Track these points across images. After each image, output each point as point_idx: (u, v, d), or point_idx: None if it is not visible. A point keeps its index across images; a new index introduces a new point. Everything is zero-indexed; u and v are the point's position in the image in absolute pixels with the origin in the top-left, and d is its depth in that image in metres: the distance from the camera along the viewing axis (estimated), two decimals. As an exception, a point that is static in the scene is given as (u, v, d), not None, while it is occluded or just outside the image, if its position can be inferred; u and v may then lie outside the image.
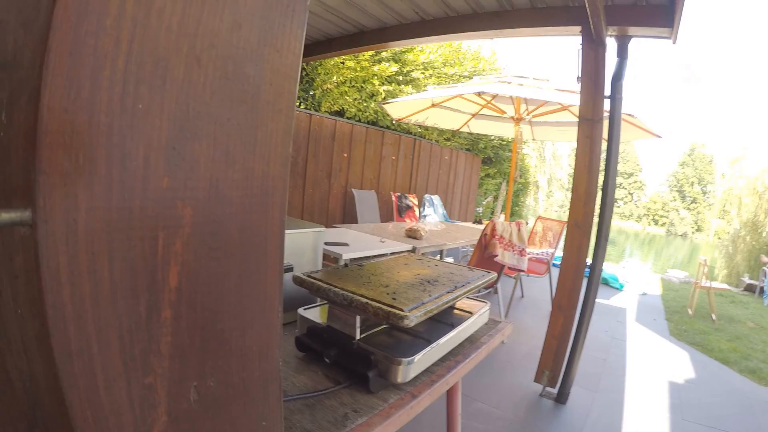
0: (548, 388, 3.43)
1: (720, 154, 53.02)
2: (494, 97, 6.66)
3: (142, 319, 0.41)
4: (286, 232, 1.46)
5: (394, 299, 1.07)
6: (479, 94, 6.39)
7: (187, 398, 0.45)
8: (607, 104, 3.12)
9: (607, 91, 3.10)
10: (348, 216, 7.20)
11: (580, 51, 3.10)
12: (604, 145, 3.18)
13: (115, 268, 0.38)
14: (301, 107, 7.09)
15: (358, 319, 1.10)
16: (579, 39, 3.12)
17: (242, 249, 0.48)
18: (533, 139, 8.20)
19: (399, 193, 7.70)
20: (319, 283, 1.16)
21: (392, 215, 7.45)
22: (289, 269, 1.41)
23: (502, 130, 8.07)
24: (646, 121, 5.53)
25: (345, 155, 7.23)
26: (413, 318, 1.00)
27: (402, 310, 1.01)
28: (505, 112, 6.74)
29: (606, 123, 3.15)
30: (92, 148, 0.36)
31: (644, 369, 4.24)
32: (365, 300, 1.06)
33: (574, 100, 4.61)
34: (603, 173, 3.15)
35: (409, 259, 1.58)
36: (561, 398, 3.34)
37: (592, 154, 3.13)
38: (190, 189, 0.43)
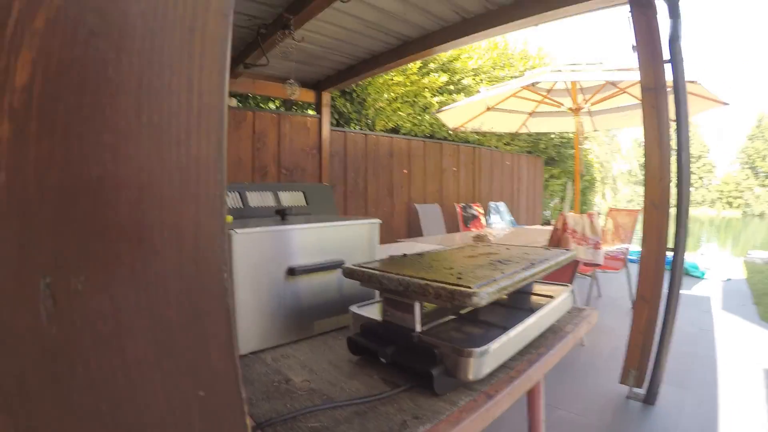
0: (635, 389, 3.14)
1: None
2: (549, 91, 6.49)
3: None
4: (337, 224, 1.33)
5: (460, 278, 0.88)
6: (533, 87, 6.20)
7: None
8: (668, 72, 2.88)
9: (666, 56, 2.87)
10: (413, 232, 7.06)
11: (631, 18, 2.93)
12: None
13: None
14: (356, 128, 7.06)
15: (417, 306, 0.91)
16: (627, 7, 2.94)
17: (146, 41, 0.30)
18: (595, 130, 7.83)
19: (463, 204, 7.51)
20: (371, 271, 0.98)
21: (458, 227, 7.25)
22: (340, 263, 1.24)
23: (562, 125, 7.79)
24: (709, 87, 5.12)
25: (405, 171, 7.14)
26: (484, 295, 0.79)
27: (469, 287, 0.81)
28: (563, 104, 6.49)
29: (671, 98, 2.91)
30: None
31: (737, 360, 3.84)
32: (425, 281, 0.86)
33: (632, 76, 4.37)
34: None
35: (476, 247, 1.38)
36: (650, 399, 3.05)
37: (660, 126, 2.89)
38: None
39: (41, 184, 0.27)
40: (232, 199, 1.56)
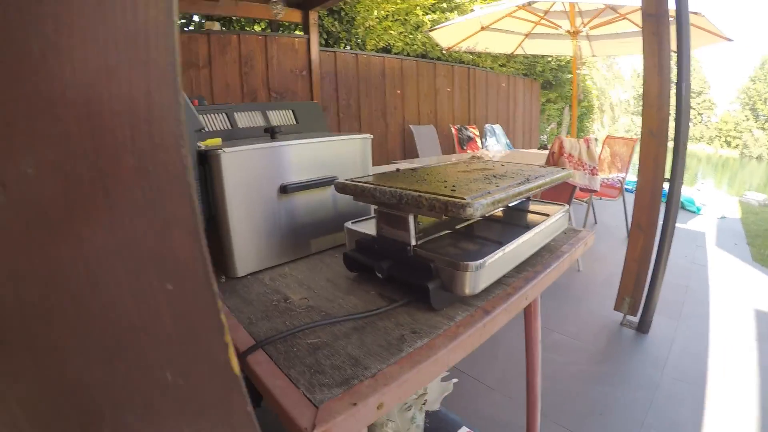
0: (629, 317, 3.21)
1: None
2: (547, 12, 6.27)
3: None
4: (328, 139, 1.29)
5: (453, 190, 0.86)
6: (530, 7, 6.00)
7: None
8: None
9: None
10: (408, 153, 7.00)
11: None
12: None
13: None
14: (346, 48, 6.84)
15: (411, 219, 0.90)
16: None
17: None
18: (593, 55, 7.66)
19: (458, 125, 7.39)
20: (364, 184, 0.96)
21: (454, 148, 7.17)
22: (333, 180, 1.22)
23: (560, 48, 7.60)
24: (714, 21, 4.94)
25: (398, 92, 6.97)
26: (478, 206, 0.78)
27: (463, 198, 0.79)
28: (560, 27, 6.31)
29: (673, 29, 2.78)
30: None
31: (728, 296, 3.89)
32: (418, 193, 0.85)
33: (633, 1, 4.20)
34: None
35: (471, 163, 1.35)
36: (643, 327, 3.11)
37: (661, 54, 2.77)
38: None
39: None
40: (220, 121, 1.52)
